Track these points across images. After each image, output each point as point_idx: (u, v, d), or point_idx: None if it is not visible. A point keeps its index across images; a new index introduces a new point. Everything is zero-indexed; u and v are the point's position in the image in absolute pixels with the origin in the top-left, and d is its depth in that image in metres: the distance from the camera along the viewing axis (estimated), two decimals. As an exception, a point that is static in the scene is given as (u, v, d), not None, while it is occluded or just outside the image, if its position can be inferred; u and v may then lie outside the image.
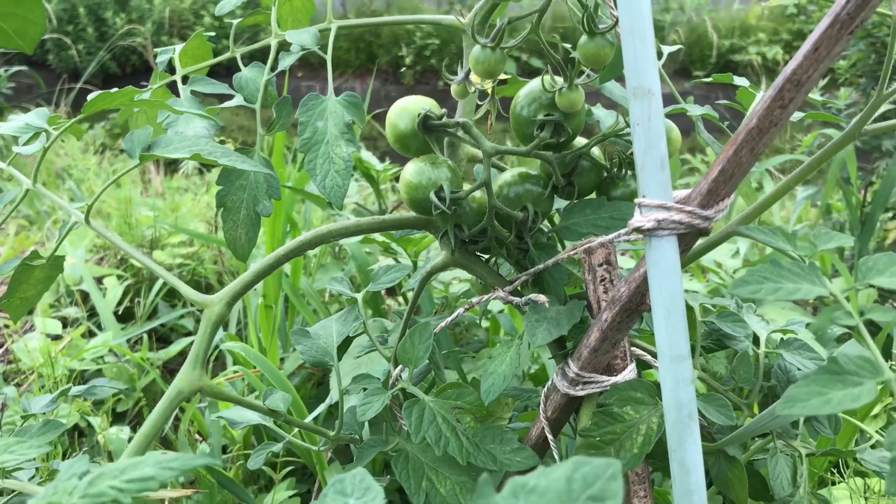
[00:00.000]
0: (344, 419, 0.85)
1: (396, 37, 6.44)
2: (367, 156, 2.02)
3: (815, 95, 2.11)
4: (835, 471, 1.23)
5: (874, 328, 1.89)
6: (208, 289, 2.14)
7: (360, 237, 1.44)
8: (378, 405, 0.74)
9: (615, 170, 0.73)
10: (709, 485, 0.81)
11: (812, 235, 0.56)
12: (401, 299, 1.89)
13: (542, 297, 0.68)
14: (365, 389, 0.77)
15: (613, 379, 0.68)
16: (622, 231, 0.59)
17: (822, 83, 2.05)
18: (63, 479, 0.41)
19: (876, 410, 1.38)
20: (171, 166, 3.81)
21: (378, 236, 1.39)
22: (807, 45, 0.48)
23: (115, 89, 0.77)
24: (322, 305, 1.67)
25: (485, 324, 1.60)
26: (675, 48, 0.88)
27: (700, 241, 0.68)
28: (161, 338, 2.01)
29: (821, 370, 0.47)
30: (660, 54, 0.86)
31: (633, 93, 0.55)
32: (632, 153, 0.73)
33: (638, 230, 0.55)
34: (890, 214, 1.96)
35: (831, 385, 0.47)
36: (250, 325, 1.56)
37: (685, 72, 6.39)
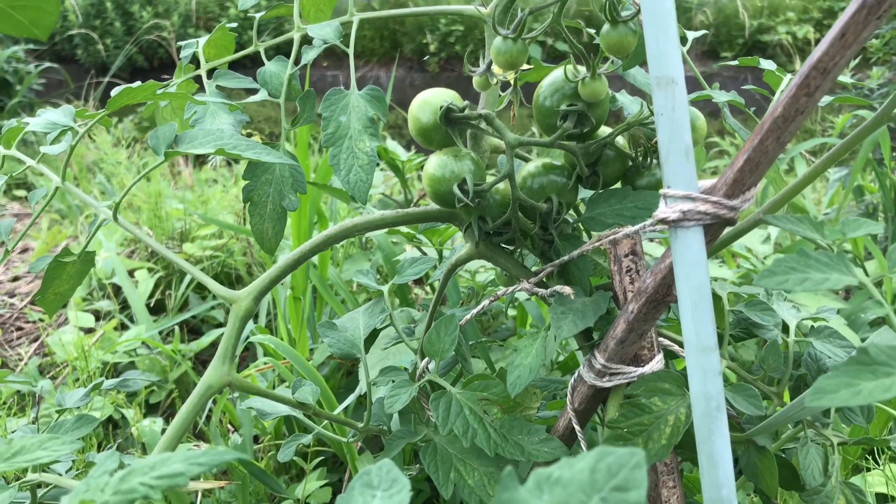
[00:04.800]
0: (373, 410, 0.86)
1: (421, 24, 6.42)
2: (393, 145, 2.02)
3: (844, 76, 2.07)
4: (869, 457, 1.22)
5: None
6: (238, 280, 2.16)
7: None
8: (405, 397, 0.75)
9: (640, 159, 0.73)
10: (738, 474, 0.80)
11: (841, 223, 0.55)
12: (428, 289, 1.89)
13: (567, 289, 0.68)
14: (393, 381, 0.77)
15: (641, 370, 0.68)
16: (647, 222, 0.58)
17: (853, 62, 2.01)
18: (95, 476, 0.42)
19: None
20: (200, 158, 3.84)
21: (404, 227, 1.39)
22: (833, 32, 0.47)
23: (138, 83, 0.78)
24: (350, 295, 1.68)
25: (512, 312, 1.60)
26: (700, 33, 0.87)
27: (727, 230, 0.67)
28: (192, 329, 2.03)
29: (851, 361, 0.47)
30: (684, 40, 0.85)
31: (656, 83, 0.55)
32: (657, 142, 0.72)
33: (663, 221, 0.54)
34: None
35: (861, 376, 0.46)
36: (279, 317, 1.58)
37: (713, 53, 6.30)
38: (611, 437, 0.66)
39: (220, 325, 1.97)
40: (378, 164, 2.33)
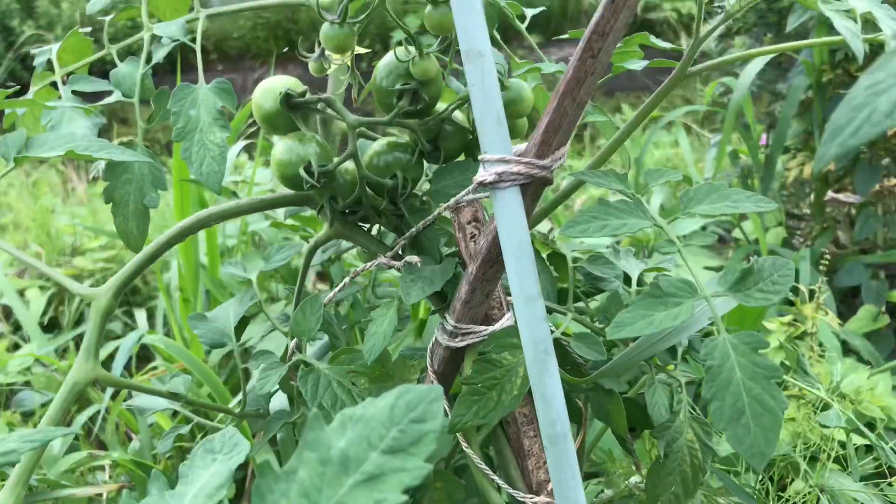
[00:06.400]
0: (254, 395, 0.88)
1: (314, 21, 6.39)
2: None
3: (711, 47, 2.15)
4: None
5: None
6: (134, 291, 2.13)
7: (268, 223, 1.46)
8: (276, 378, 0.77)
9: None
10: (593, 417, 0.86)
11: (644, 173, 0.61)
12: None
13: (415, 259, 0.71)
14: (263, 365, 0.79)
15: (491, 328, 0.72)
16: (470, 187, 0.62)
17: (718, 33, 2.12)
18: (-69, 465, 0.43)
19: (776, 343, 1.46)
20: (93, 173, 3.75)
21: (290, 220, 1.41)
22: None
23: (-14, 95, 0.78)
24: (246, 294, 1.68)
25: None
26: (538, 10, 0.91)
27: (557, 192, 0.72)
28: (92, 344, 1.99)
29: (646, 295, 0.52)
30: (523, 18, 0.90)
31: (466, 56, 0.58)
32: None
33: (482, 184, 0.58)
34: (790, 155, 2.04)
35: (654, 307, 0.51)
36: (171, 320, 1.57)
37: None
38: (467, 393, 0.70)
39: (118, 336, 1.95)
40: (227, 159, 2.33)
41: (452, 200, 0.66)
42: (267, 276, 1.63)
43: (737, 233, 2.19)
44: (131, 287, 2.13)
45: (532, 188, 0.61)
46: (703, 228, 2.23)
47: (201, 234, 1.60)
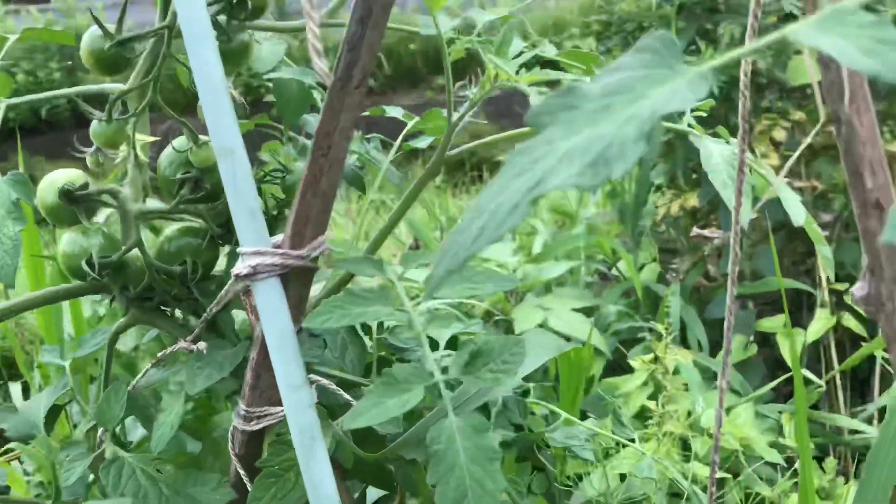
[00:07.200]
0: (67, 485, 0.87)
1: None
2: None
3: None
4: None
5: (658, 298, 2.04)
6: (12, 365, 2.08)
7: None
8: (81, 468, 0.77)
9: (275, 213, 0.78)
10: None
11: (402, 257, 0.63)
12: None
13: (203, 345, 0.72)
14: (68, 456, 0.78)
15: (288, 408, 0.73)
16: (230, 282, 0.64)
17: (466, 120, 2.20)
18: None
19: (640, 381, 1.50)
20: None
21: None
22: (325, 103, 0.54)
23: None
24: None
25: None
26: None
27: (333, 281, 0.74)
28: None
29: (379, 383, 0.54)
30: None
31: (218, 153, 0.60)
32: (285, 197, 0.79)
33: (238, 277, 0.60)
34: (659, 193, 2.12)
35: (387, 395, 0.53)
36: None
37: (509, 73, 6.62)
38: (264, 476, 0.71)
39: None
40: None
41: (223, 291, 0.67)
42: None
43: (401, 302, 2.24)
44: (8, 360, 2.08)
45: (295, 278, 0.62)
46: (587, 267, 2.29)
47: (65, 304, 1.57)
